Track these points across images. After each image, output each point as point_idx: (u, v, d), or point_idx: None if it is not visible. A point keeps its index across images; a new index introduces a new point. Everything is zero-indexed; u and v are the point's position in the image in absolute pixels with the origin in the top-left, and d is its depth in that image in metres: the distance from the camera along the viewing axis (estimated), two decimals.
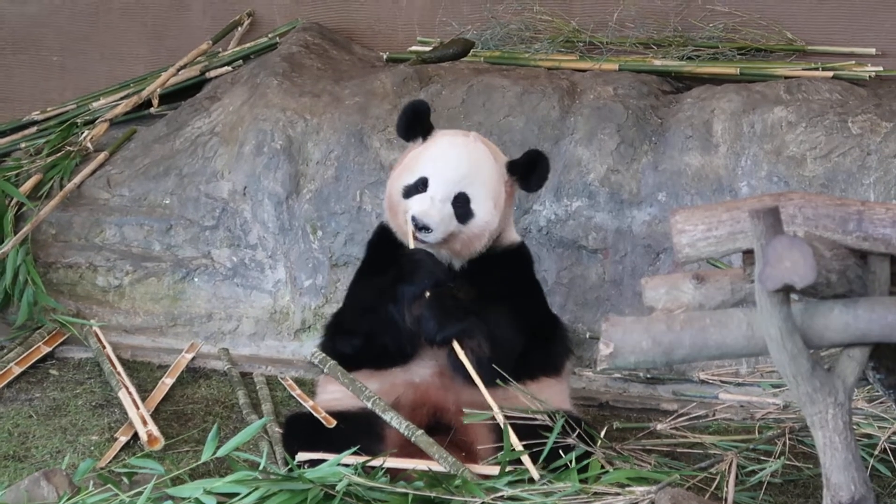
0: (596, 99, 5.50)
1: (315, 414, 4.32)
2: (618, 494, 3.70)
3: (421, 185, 4.35)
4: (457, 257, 4.40)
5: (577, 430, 4.09)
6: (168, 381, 5.14)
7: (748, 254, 3.33)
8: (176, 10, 6.72)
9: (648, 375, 5.16)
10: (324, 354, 4.36)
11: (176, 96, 6.30)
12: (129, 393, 4.92)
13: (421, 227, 4.28)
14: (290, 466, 3.96)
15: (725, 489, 4.02)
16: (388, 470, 3.87)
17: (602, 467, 4.04)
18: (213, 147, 5.74)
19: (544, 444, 4.00)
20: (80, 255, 5.70)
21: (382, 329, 4.28)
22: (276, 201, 5.53)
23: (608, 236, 5.29)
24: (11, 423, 4.84)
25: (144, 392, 5.02)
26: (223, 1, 6.65)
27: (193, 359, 5.36)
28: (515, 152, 4.56)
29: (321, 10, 6.52)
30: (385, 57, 6.28)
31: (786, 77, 5.65)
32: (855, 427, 3.63)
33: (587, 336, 5.25)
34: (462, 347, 4.20)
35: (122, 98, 6.35)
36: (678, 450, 4.42)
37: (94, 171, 5.88)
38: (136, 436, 4.67)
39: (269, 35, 6.43)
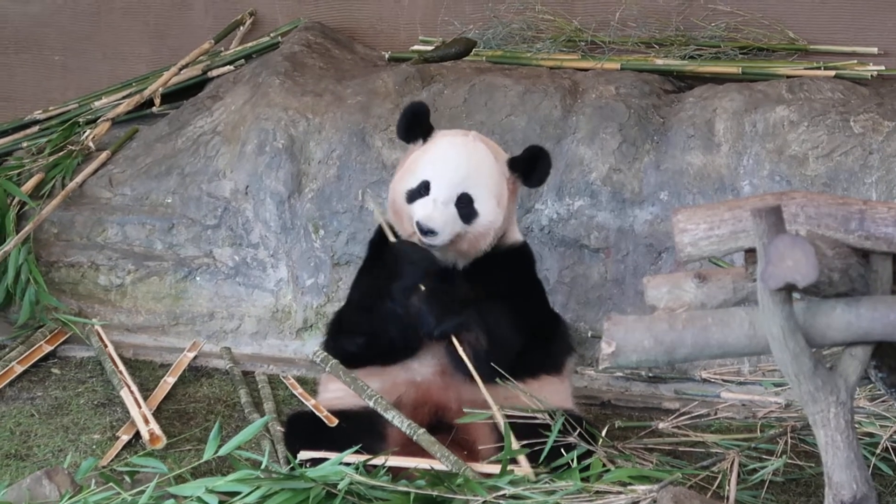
0: (598, 98, 5.50)
1: (317, 413, 4.32)
2: (619, 493, 3.70)
3: (423, 189, 4.35)
4: (463, 257, 4.40)
5: (579, 429, 4.09)
6: (170, 379, 5.14)
7: (750, 253, 3.33)
8: (178, 9, 6.72)
9: (650, 374, 5.16)
10: (326, 353, 4.37)
11: (178, 95, 6.31)
12: (131, 392, 4.93)
13: (426, 232, 4.28)
14: (291, 465, 3.96)
15: (727, 488, 4.01)
16: (390, 469, 3.87)
17: (604, 466, 4.03)
18: (215, 146, 5.74)
19: (545, 442, 4.00)
20: (81, 254, 5.70)
21: (383, 327, 4.28)
22: (278, 200, 5.53)
23: (610, 235, 5.29)
24: (13, 421, 4.84)
25: (146, 391, 5.03)
26: (225, 0, 6.65)
27: (195, 358, 5.36)
28: (517, 151, 4.55)
29: (323, 9, 6.52)
30: (387, 56, 6.28)
31: (788, 76, 5.65)
32: (857, 426, 3.64)
33: (589, 335, 5.25)
34: (460, 342, 4.20)
35: (124, 97, 6.35)
36: (680, 448, 4.41)
37: (95, 171, 5.88)
38: (137, 434, 4.68)
39: (271, 34, 6.43)
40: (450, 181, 4.33)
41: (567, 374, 4.49)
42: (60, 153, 5.99)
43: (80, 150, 5.98)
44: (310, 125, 5.61)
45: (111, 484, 3.75)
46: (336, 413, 4.28)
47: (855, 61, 5.82)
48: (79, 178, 5.82)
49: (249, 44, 6.44)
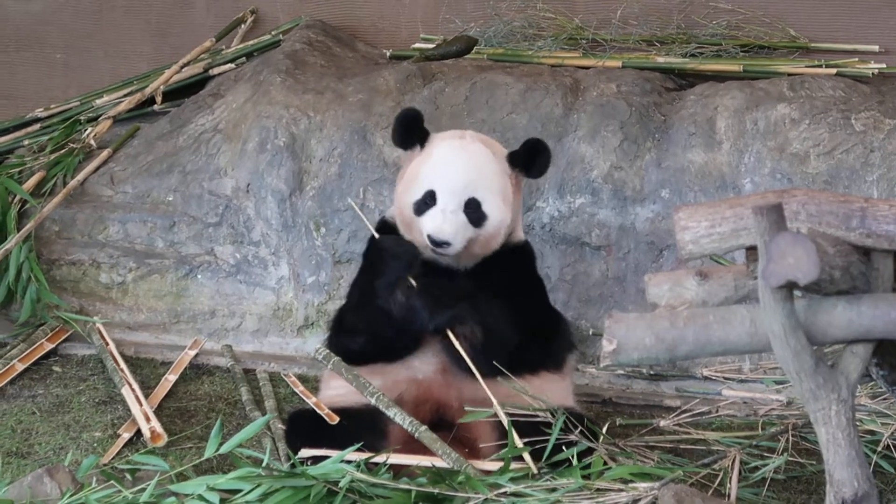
0: (599, 96, 5.50)
1: (318, 410, 4.32)
2: (621, 491, 3.70)
3: (429, 199, 4.34)
4: (473, 259, 4.40)
5: (580, 427, 4.09)
6: (171, 377, 5.14)
7: (751, 250, 3.33)
8: (179, 7, 6.72)
9: (651, 372, 5.16)
10: (328, 351, 4.37)
11: (179, 93, 6.31)
12: (133, 389, 4.93)
13: (440, 244, 4.27)
14: (292, 463, 3.97)
15: (728, 485, 4.02)
16: (392, 466, 3.87)
17: (605, 463, 4.03)
18: (216, 144, 5.75)
19: (547, 440, 4.00)
20: (83, 251, 5.70)
21: (381, 323, 4.28)
22: (280, 198, 5.53)
23: (611, 233, 5.29)
24: (15, 419, 4.85)
25: (147, 389, 5.03)
26: None
27: (196, 355, 5.36)
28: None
29: (324, 7, 6.52)
30: (388, 54, 6.29)
31: (789, 74, 5.65)
32: (858, 423, 3.64)
33: (590, 333, 5.25)
34: (455, 336, 4.20)
35: (125, 95, 6.35)
36: (681, 446, 4.42)
37: (97, 169, 5.89)
38: (139, 432, 4.68)
39: (273, 32, 6.43)
40: (455, 188, 4.32)
41: (568, 371, 4.49)
42: (62, 151, 5.99)
43: (82, 147, 5.98)
44: (311, 123, 5.61)
45: (112, 482, 3.75)
46: (337, 411, 4.28)
47: (856, 59, 5.82)
48: (80, 176, 5.82)
49: (251, 42, 6.44)
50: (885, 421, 4.28)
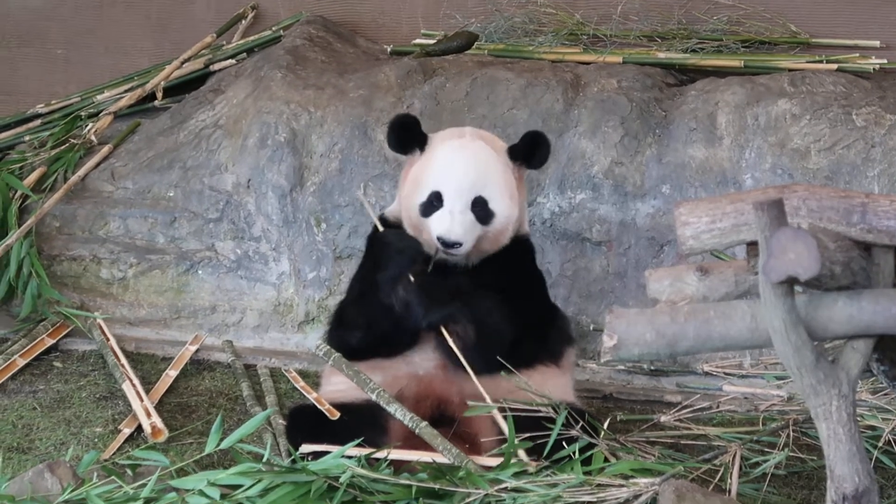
0: (600, 91, 5.50)
1: (319, 406, 4.32)
2: (621, 486, 3.69)
3: (435, 200, 4.33)
4: (481, 256, 4.39)
5: (581, 422, 4.09)
6: (172, 373, 5.15)
7: (752, 246, 3.33)
8: (180, 2, 6.72)
9: (652, 367, 5.16)
10: (328, 346, 4.37)
11: (180, 89, 6.31)
12: (133, 385, 4.93)
13: (451, 245, 4.27)
14: (293, 458, 3.97)
15: (729, 481, 4.01)
16: (392, 462, 3.87)
17: (605, 459, 4.03)
18: (217, 140, 5.74)
19: (547, 436, 4.00)
20: (83, 247, 5.70)
21: (380, 318, 4.28)
22: (280, 194, 5.53)
23: (612, 228, 5.29)
24: (15, 414, 4.85)
25: (148, 384, 5.03)
26: None
27: (197, 351, 5.37)
28: None
29: (325, 2, 6.52)
30: (389, 50, 6.28)
31: (790, 69, 5.65)
32: (859, 419, 3.64)
33: (591, 328, 5.25)
34: (448, 333, 4.20)
35: (126, 91, 6.35)
36: (682, 442, 4.42)
37: (98, 164, 5.89)
38: (139, 428, 4.68)
39: (273, 28, 6.42)
40: (461, 188, 4.32)
41: (568, 366, 4.49)
42: (63, 147, 5.99)
43: (83, 143, 5.98)
44: (312, 119, 5.61)
45: (113, 477, 3.75)
46: (338, 406, 4.28)
47: (857, 55, 5.82)
48: (81, 172, 5.82)
49: (251, 37, 6.44)
50: (886, 416, 4.28)
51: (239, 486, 3.65)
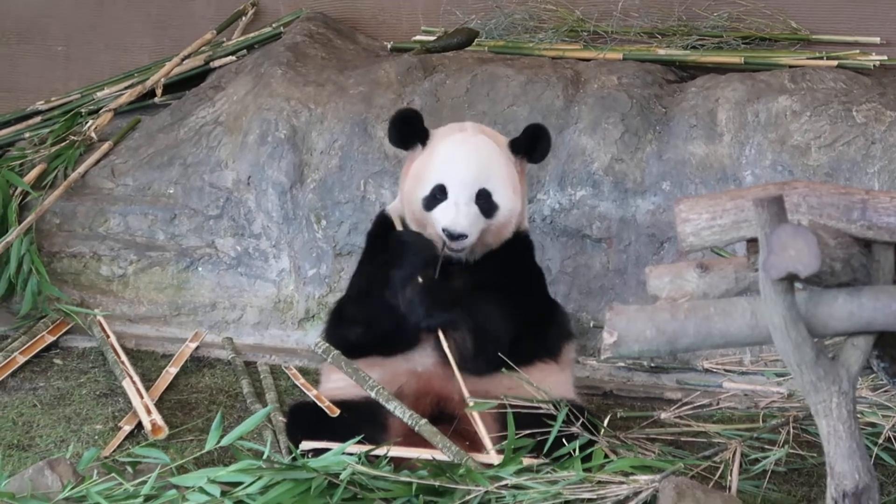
0: (600, 88, 5.49)
1: (319, 403, 4.32)
2: (622, 483, 3.69)
3: (439, 193, 4.33)
4: (484, 250, 4.39)
5: (581, 419, 4.08)
6: (172, 370, 5.15)
7: (752, 242, 3.33)
8: None
9: (652, 364, 5.16)
10: (327, 344, 4.37)
11: (180, 86, 6.31)
12: (133, 382, 4.93)
13: (457, 237, 4.27)
14: (293, 455, 3.96)
15: (729, 478, 4.01)
16: (392, 459, 3.87)
17: (606, 456, 4.03)
18: (217, 136, 5.74)
19: (548, 432, 4.00)
20: (84, 244, 5.70)
21: (382, 316, 4.28)
22: (280, 191, 5.53)
23: (612, 225, 5.29)
24: (16, 412, 4.85)
25: (148, 381, 5.03)
26: None
27: (197, 348, 5.37)
28: None
29: None
30: (389, 46, 6.28)
31: (790, 66, 5.65)
32: (859, 416, 3.64)
33: (591, 325, 5.25)
34: (446, 338, 4.21)
35: (126, 88, 6.35)
36: (682, 438, 4.41)
37: (98, 161, 5.89)
38: (140, 425, 4.68)
39: (274, 25, 6.42)
40: (465, 180, 4.32)
41: (567, 363, 4.49)
42: (63, 144, 5.99)
43: (83, 140, 5.98)
44: (312, 115, 5.60)
45: (113, 474, 3.74)
46: (338, 403, 4.28)
47: (857, 51, 5.81)
48: (81, 169, 5.82)
49: (251, 34, 6.44)
50: (886, 413, 4.28)
51: (239, 484, 3.65)
